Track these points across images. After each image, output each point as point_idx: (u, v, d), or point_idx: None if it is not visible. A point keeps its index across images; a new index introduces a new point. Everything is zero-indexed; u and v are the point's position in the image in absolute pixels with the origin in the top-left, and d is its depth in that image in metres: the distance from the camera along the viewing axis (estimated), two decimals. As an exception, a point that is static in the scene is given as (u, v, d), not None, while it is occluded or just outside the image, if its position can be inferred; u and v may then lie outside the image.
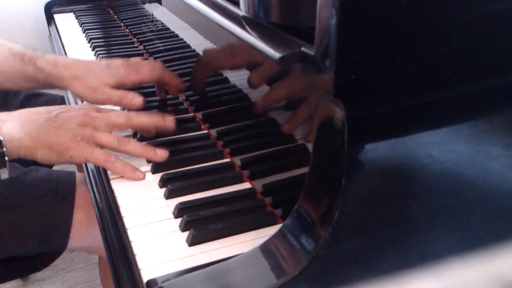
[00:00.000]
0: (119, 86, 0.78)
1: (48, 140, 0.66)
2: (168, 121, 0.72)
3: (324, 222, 0.44)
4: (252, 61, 0.65)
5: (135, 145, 0.68)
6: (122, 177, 0.67)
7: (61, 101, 1.05)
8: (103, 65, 0.79)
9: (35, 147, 0.66)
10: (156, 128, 0.72)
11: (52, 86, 0.82)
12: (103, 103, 0.77)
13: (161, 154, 0.68)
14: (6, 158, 0.65)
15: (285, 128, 0.61)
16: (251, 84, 0.68)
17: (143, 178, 0.67)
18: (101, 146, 0.67)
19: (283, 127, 0.62)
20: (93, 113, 0.69)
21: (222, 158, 0.70)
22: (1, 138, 0.64)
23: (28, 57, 0.81)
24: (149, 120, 0.71)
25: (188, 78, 0.88)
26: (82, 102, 0.88)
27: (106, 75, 0.77)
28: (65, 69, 0.79)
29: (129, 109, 0.76)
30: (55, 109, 0.69)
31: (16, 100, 1.02)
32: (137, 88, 0.83)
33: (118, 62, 0.80)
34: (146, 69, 0.79)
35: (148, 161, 0.70)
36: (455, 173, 0.47)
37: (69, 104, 0.94)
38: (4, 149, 0.64)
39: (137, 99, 0.76)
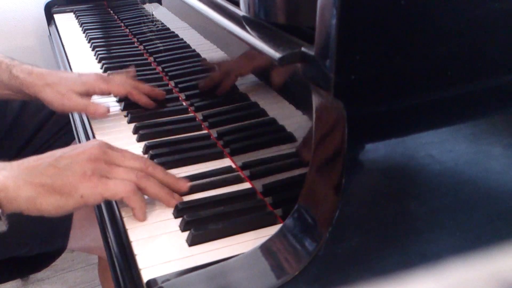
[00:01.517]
0: (88, 94, 0.80)
1: (51, 184, 0.56)
2: (182, 185, 0.63)
3: (324, 222, 0.44)
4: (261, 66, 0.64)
5: (154, 183, 0.60)
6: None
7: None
8: (75, 74, 0.82)
9: (37, 196, 0.56)
10: (168, 185, 0.63)
11: (25, 94, 0.83)
12: (69, 109, 0.80)
13: (178, 198, 0.62)
14: (0, 210, 0.56)
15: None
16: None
17: (175, 204, 0.60)
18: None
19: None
20: (105, 149, 0.60)
21: (222, 158, 0.70)
22: None
23: (5, 65, 0.84)
24: (164, 177, 0.62)
25: (188, 78, 0.88)
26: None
27: (76, 82, 0.79)
28: (39, 78, 0.81)
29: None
30: (61, 150, 0.61)
31: (17, 100, 1.02)
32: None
33: (91, 73, 0.83)
34: (115, 81, 0.82)
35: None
36: (455, 173, 0.47)
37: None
38: None
39: (101, 109, 0.79)
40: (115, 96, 0.86)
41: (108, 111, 0.80)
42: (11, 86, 0.83)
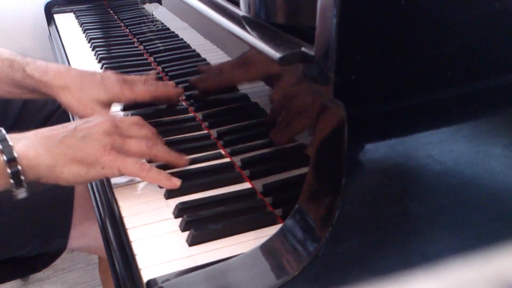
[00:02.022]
0: (111, 103, 0.77)
1: (74, 154, 0.59)
2: (183, 160, 0.68)
3: (324, 222, 0.44)
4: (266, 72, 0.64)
5: (163, 149, 0.66)
6: (122, 176, 0.67)
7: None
8: (98, 79, 0.76)
9: (59, 165, 0.59)
10: (170, 164, 0.67)
11: (41, 93, 0.79)
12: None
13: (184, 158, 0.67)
14: (23, 177, 0.58)
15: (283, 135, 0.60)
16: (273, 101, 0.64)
17: (179, 185, 0.63)
18: (130, 155, 0.63)
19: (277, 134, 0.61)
20: (115, 121, 0.64)
21: (222, 158, 0.70)
22: (16, 155, 0.57)
23: (18, 64, 0.79)
24: (166, 155, 0.67)
25: (188, 78, 0.88)
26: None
27: (99, 90, 0.75)
28: (56, 77, 0.76)
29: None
30: (71, 123, 0.64)
31: (17, 101, 1.02)
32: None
33: (113, 77, 0.78)
34: (141, 88, 0.78)
35: (149, 161, 0.70)
36: (455, 173, 0.47)
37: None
38: (20, 167, 0.57)
39: None
40: (140, 102, 0.80)
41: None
42: (25, 85, 0.79)
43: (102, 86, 0.76)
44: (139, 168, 0.62)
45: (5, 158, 0.57)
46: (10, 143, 0.58)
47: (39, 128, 0.87)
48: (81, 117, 0.75)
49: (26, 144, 0.59)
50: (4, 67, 0.80)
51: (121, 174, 0.62)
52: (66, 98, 0.76)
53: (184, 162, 0.68)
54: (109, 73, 0.80)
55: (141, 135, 0.65)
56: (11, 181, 0.58)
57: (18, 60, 0.80)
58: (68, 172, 0.59)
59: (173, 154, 0.67)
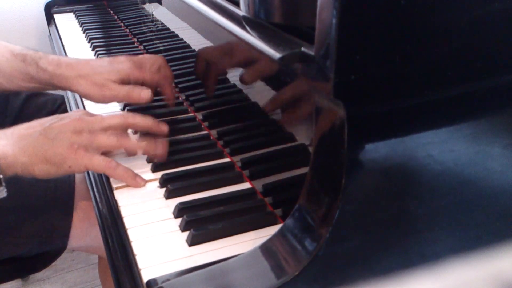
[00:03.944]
0: (122, 82, 0.76)
1: (44, 154, 0.63)
2: (162, 126, 0.71)
3: (324, 222, 0.44)
4: (247, 59, 0.65)
5: (134, 141, 0.68)
6: None
7: (61, 101, 1.04)
8: (106, 61, 0.78)
9: (32, 163, 0.64)
10: (150, 131, 0.71)
11: (55, 86, 0.80)
12: (110, 99, 0.76)
13: (161, 148, 0.68)
14: (1, 176, 0.62)
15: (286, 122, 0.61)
16: (243, 81, 0.67)
17: (144, 185, 0.66)
18: (101, 150, 0.66)
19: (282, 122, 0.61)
20: (86, 118, 0.67)
21: (222, 158, 0.70)
22: None
23: (30, 58, 0.80)
24: (144, 122, 0.70)
25: (188, 78, 0.88)
26: (82, 104, 0.88)
27: (109, 71, 0.76)
28: (69, 69, 0.77)
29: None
30: (47, 120, 0.67)
31: (17, 99, 1.02)
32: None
33: (121, 58, 0.79)
34: (149, 68, 0.77)
35: (149, 161, 0.70)
36: (455, 173, 0.47)
37: (69, 104, 0.93)
38: None
39: (145, 93, 0.74)
40: (147, 85, 0.79)
41: (153, 95, 0.76)
42: (39, 79, 0.80)
43: (112, 65, 0.77)
44: (105, 166, 0.65)
45: None
46: None
47: None
48: (101, 99, 0.76)
49: (4, 144, 0.63)
50: (18, 61, 0.81)
51: (91, 170, 0.67)
52: (82, 86, 0.76)
53: (163, 128, 0.71)
54: (117, 56, 0.81)
55: (113, 124, 0.67)
56: None
57: (31, 55, 0.81)
58: (39, 170, 0.64)
59: (147, 142, 0.68)
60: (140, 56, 0.80)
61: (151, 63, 0.78)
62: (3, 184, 0.63)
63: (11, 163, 0.63)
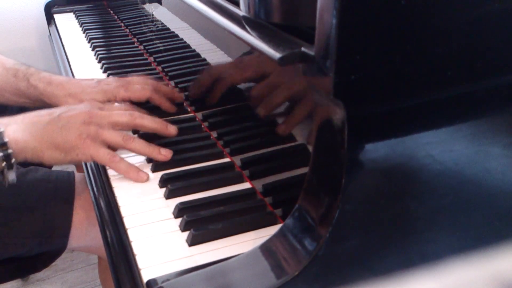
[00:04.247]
0: (109, 101, 0.79)
1: (53, 140, 0.66)
2: (170, 129, 0.72)
3: (324, 222, 0.44)
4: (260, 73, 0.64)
5: (139, 143, 0.68)
6: (122, 176, 0.67)
7: None
8: (94, 82, 0.81)
9: (42, 149, 0.66)
10: (158, 133, 0.72)
11: (44, 103, 0.82)
12: None
13: (165, 153, 0.68)
14: (13, 160, 0.64)
15: (282, 129, 0.61)
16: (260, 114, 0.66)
17: (147, 179, 0.66)
18: (106, 144, 0.67)
19: (280, 128, 0.61)
20: (96, 111, 0.69)
21: (222, 158, 0.70)
22: (7, 140, 0.64)
23: (22, 74, 0.83)
24: (152, 124, 0.71)
25: (188, 78, 0.88)
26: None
27: (96, 91, 0.79)
28: (59, 88, 0.80)
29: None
30: (56, 110, 0.70)
31: (12, 109, 1.02)
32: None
33: (110, 79, 0.82)
34: (135, 87, 0.79)
35: (148, 161, 0.70)
36: (455, 173, 0.47)
37: None
38: (11, 151, 0.64)
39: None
40: (136, 101, 0.81)
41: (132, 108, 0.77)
42: (29, 95, 0.83)
43: (99, 86, 0.80)
44: (109, 159, 0.67)
45: None
46: (1, 129, 0.64)
47: None
48: None
49: (15, 129, 0.66)
50: (9, 76, 0.84)
51: (96, 161, 0.68)
52: (70, 104, 0.78)
53: (171, 130, 0.72)
54: (109, 78, 0.84)
55: (121, 122, 0.69)
56: (3, 163, 0.64)
57: (23, 70, 0.83)
58: (48, 156, 0.66)
59: (152, 146, 0.68)
60: (129, 78, 0.83)
61: (137, 82, 0.81)
62: (15, 167, 0.65)
63: (22, 148, 0.65)
